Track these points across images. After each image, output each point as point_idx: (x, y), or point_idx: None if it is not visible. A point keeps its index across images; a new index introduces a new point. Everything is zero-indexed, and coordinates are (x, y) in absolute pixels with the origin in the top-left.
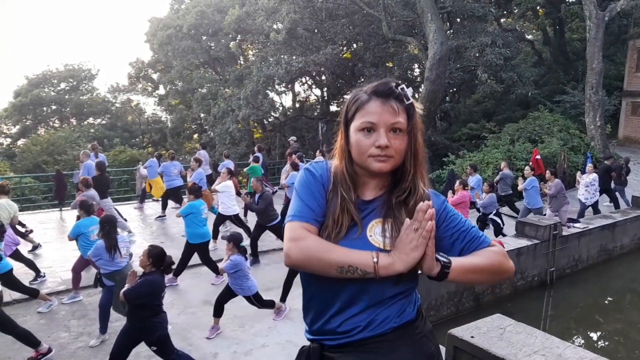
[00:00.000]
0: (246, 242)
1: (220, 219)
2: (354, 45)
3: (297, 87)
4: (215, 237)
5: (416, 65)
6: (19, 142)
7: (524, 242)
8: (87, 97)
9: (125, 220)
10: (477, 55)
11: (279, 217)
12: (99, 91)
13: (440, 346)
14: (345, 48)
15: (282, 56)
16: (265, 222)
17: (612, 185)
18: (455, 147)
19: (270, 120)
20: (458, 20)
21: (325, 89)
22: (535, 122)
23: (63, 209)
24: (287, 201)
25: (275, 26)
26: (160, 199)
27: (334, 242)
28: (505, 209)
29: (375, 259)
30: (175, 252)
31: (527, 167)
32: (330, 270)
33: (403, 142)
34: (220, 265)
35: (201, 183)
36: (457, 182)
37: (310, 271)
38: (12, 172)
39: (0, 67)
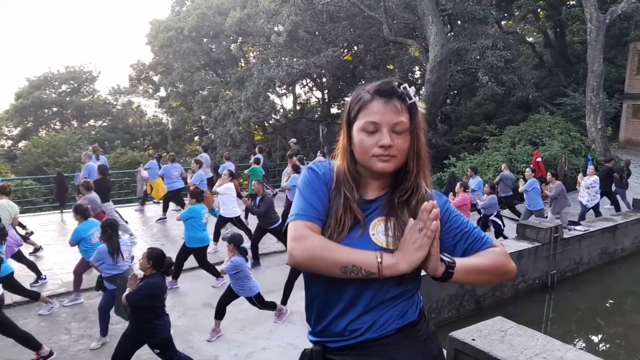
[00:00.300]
0: (247, 244)
1: (222, 222)
2: (355, 48)
3: (298, 90)
4: (216, 239)
5: (417, 68)
6: (20, 144)
7: (525, 245)
8: (88, 99)
9: (126, 222)
10: (478, 57)
11: (280, 220)
12: (100, 93)
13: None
14: (346, 50)
15: (283, 58)
16: (266, 224)
17: (613, 187)
18: (456, 149)
19: (271, 122)
20: (459, 22)
21: (326, 91)
22: (536, 124)
23: (64, 211)
24: (288, 203)
25: (276, 28)
26: (160, 201)
27: (336, 241)
28: (505, 212)
29: (379, 259)
30: (176, 255)
31: (527, 169)
32: (334, 270)
33: (406, 141)
34: (221, 266)
35: (201, 185)
36: (458, 184)
37: (313, 271)
38: (13, 174)
39: (1, 68)
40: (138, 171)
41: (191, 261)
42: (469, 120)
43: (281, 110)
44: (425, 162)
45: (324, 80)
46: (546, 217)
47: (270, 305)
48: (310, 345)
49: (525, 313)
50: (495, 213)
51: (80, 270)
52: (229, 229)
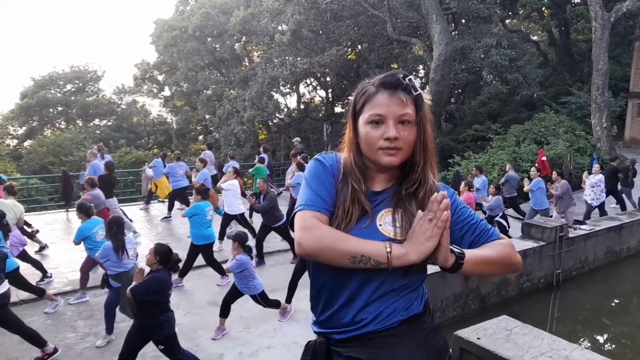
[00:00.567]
0: (251, 242)
1: (227, 219)
2: (359, 47)
3: (302, 89)
4: (221, 237)
5: (421, 67)
6: (26, 143)
7: (530, 244)
8: (92, 99)
9: (131, 220)
10: (482, 56)
11: (285, 218)
12: (105, 92)
13: None
14: (349, 49)
15: (286, 57)
16: (270, 223)
17: (619, 187)
18: (460, 148)
19: (275, 121)
20: (463, 21)
21: (330, 90)
22: (540, 123)
23: (69, 209)
24: (293, 201)
25: (280, 27)
26: (165, 199)
27: (343, 232)
28: (510, 211)
29: (388, 249)
30: (181, 253)
31: (533, 168)
32: (343, 260)
33: (412, 133)
34: (226, 265)
35: (206, 183)
36: (463, 183)
37: (322, 261)
38: (18, 173)
39: (6, 68)
40: (143, 170)
41: (196, 260)
42: (473, 119)
43: (285, 110)
44: (432, 154)
45: (328, 79)
46: (551, 217)
47: (275, 304)
48: (314, 337)
49: (530, 312)
50: (500, 214)
51: (87, 268)
52: (234, 227)
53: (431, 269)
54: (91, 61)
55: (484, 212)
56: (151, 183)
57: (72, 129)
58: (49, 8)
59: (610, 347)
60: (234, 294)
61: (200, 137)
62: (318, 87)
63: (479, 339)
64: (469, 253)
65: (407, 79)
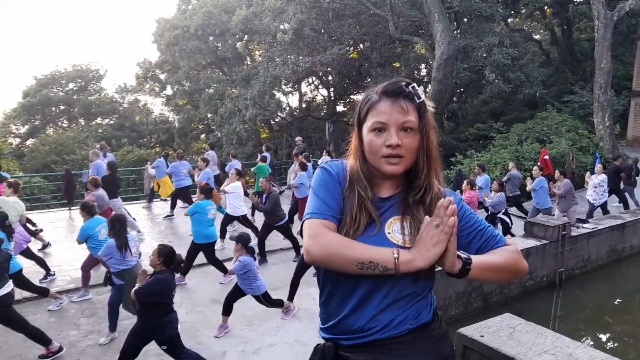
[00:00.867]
0: (253, 242)
1: (228, 219)
2: (361, 46)
3: (304, 88)
4: (222, 236)
5: (423, 65)
6: (28, 142)
7: (532, 243)
8: (95, 98)
9: (134, 219)
10: (485, 55)
11: (287, 217)
12: (107, 91)
13: None
14: (351, 48)
15: (288, 56)
16: (272, 222)
17: (622, 185)
18: (462, 147)
19: (276, 120)
20: (465, 20)
21: (332, 89)
22: (543, 122)
23: (72, 208)
24: (295, 201)
25: (282, 26)
26: (167, 198)
27: (352, 239)
28: (513, 209)
29: (395, 255)
30: (183, 252)
31: (535, 167)
32: (351, 266)
33: (414, 140)
34: (230, 266)
35: (209, 182)
36: (465, 182)
37: (330, 268)
38: (21, 172)
39: (9, 67)
40: (145, 169)
41: (199, 258)
42: (475, 118)
43: (287, 108)
44: (436, 161)
45: (330, 78)
46: (554, 215)
47: (277, 303)
48: (316, 335)
49: (532, 311)
50: (503, 211)
51: (88, 266)
52: (236, 227)
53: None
54: (93, 60)
55: (487, 209)
56: (153, 182)
57: (75, 127)
58: (52, 7)
59: (612, 346)
60: (236, 293)
61: (202, 136)
62: (320, 86)
63: (482, 336)
64: (476, 259)
65: (410, 87)
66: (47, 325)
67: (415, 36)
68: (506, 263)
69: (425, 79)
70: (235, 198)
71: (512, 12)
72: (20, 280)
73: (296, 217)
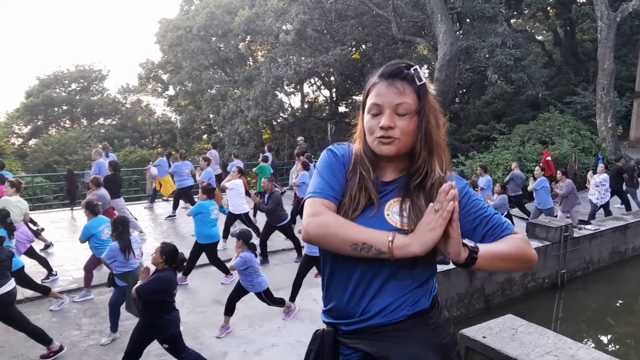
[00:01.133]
0: (255, 242)
1: (231, 219)
2: (363, 46)
3: (306, 88)
4: (225, 237)
5: (425, 66)
6: (31, 142)
7: (534, 244)
8: (97, 98)
9: (136, 219)
10: (487, 56)
11: (289, 217)
12: (110, 92)
13: None
14: (354, 49)
15: (291, 57)
16: (274, 222)
17: (624, 187)
18: (464, 148)
19: (279, 121)
20: (468, 20)
21: (334, 89)
22: (545, 123)
23: (74, 208)
24: (297, 201)
25: (284, 27)
26: (169, 198)
27: (350, 219)
28: (515, 210)
29: (390, 238)
30: (186, 252)
31: (537, 168)
32: (345, 247)
33: (410, 123)
34: (230, 263)
35: (210, 182)
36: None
37: (325, 247)
38: (23, 172)
39: (12, 67)
40: (147, 169)
41: (201, 258)
42: (477, 119)
43: (289, 109)
44: (438, 145)
45: (332, 78)
46: (556, 216)
47: (279, 302)
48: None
49: (534, 312)
50: (505, 213)
51: (91, 266)
52: (237, 226)
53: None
54: (96, 60)
55: None
56: (155, 182)
57: (77, 128)
58: (55, 7)
59: (614, 348)
60: (238, 292)
61: (204, 137)
62: (322, 87)
63: (484, 337)
64: (484, 248)
65: (412, 69)
66: (49, 325)
67: (417, 37)
68: (515, 252)
69: (428, 80)
70: (236, 195)
71: (515, 12)
72: (23, 278)
73: (298, 217)
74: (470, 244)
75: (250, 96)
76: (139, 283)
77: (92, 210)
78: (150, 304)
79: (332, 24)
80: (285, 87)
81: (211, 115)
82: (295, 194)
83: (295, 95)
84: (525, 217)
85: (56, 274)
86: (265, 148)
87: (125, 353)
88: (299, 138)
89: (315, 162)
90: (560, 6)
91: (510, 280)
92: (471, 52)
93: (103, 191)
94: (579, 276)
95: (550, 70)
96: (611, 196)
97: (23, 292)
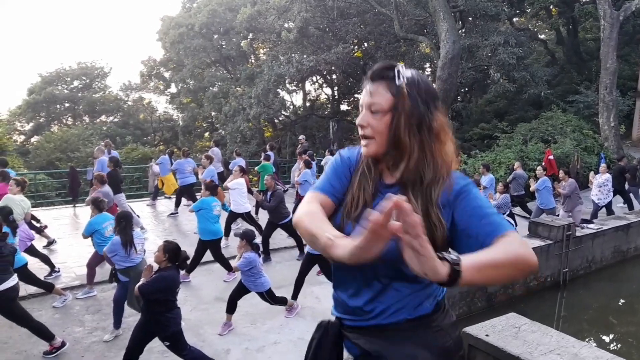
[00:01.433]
0: (257, 239)
1: (232, 217)
2: (365, 44)
3: (308, 86)
4: (227, 234)
5: (428, 64)
6: (33, 139)
7: (537, 243)
8: (99, 95)
9: (138, 216)
10: (490, 54)
11: (291, 215)
12: (112, 89)
13: None
14: (356, 47)
15: (293, 55)
16: (277, 220)
17: (626, 186)
18: (466, 147)
19: (280, 119)
20: (470, 19)
21: (336, 87)
22: (548, 122)
23: (76, 205)
24: (299, 199)
25: (286, 25)
26: (172, 195)
27: (352, 218)
28: (517, 210)
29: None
30: (188, 249)
31: (539, 167)
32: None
33: (382, 122)
34: (234, 263)
35: (212, 179)
36: None
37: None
38: (25, 169)
39: (14, 64)
40: (150, 166)
41: (203, 256)
42: (480, 117)
43: (291, 107)
44: (406, 146)
45: (334, 77)
46: (558, 215)
47: (281, 301)
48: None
49: (536, 311)
50: (507, 212)
51: (94, 263)
52: (240, 225)
53: None
54: (98, 58)
55: None
56: (158, 179)
57: (79, 125)
58: (58, 4)
59: (616, 347)
60: (240, 291)
61: (206, 134)
62: (324, 85)
63: (487, 335)
64: (470, 258)
65: (393, 69)
66: (52, 321)
67: (420, 35)
68: (509, 257)
69: (430, 78)
70: (239, 195)
71: (518, 11)
72: (26, 275)
73: None
74: (451, 256)
75: (252, 94)
76: (141, 281)
77: (97, 206)
78: (153, 302)
79: (334, 22)
80: (287, 85)
81: (213, 113)
82: (297, 192)
83: (297, 93)
84: (528, 216)
85: (59, 271)
86: (267, 146)
87: (127, 349)
88: (301, 136)
89: (318, 160)
90: (563, 5)
91: None
92: (473, 51)
93: (107, 189)
94: (581, 275)
95: (553, 69)
96: (614, 195)
97: (26, 289)
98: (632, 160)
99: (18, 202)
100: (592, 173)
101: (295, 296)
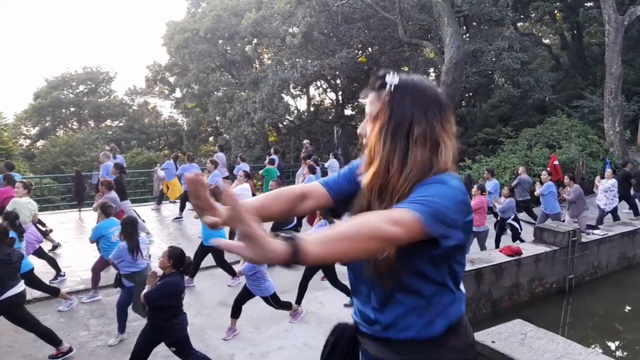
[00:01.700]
0: None
1: None
2: (370, 49)
3: (312, 91)
4: (232, 239)
5: (432, 69)
6: (38, 144)
7: (542, 249)
8: (104, 100)
9: (144, 221)
10: (494, 59)
11: (295, 220)
12: (117, 94)
13: None
14: (360, 52)
15: (297, 60)
16: (281, 224)
17: (632, 192)
18: (471, 152)
19: (285, 123)
20: (475, 24)
21: (340, 92)
22: (552, 127)
23: (82, 209)
24: None
25: (291, 30)
26: (176, 200)
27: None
28: (522, 215)
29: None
30: (192, 254)
31: (544, 172)
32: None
33: (372, 130)
34: (238, 267)
35: (217, 184)
36: (475, 186)
37: None
38: (31, 173)
39: (20, 69)
40: (155, 171)
41: (207, 260)
42: (484, 122)
43: (295, 112)
44: (382, 154)
45: (338, 81)
46: (564, 221)
47: (286, 305)
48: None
49: (542, 317)
50: (512, 216)
51: (98, 268)
52: None
53: None
54: (103, 62)
55: (496, 215)
56: (162, 184)
57: (84, 129)
58: (63, 9)
59: (622, 354)
60: (245, 295)
61: (211, 139)
62: (328, 90)
63: (493, 342)
64: (314, 234)
65: (382, 77)
66: (57, 325)
67: (424, 40)
68: (355, 228)
69: (434, 83)
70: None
71: (522, 16)
72: (32, 280)
73: (304, 220)
74: (286, 234)
75: (257, 99)
76: (146, 288)
77: (104, 211)
78: (158, 308)
79: (338, 27)
80: (292, 90)
81: (217, 118)
82: None
83: (301, 97)
84: (533, 221)
85: (64, 275)
86: (271, 151)
87: (132, 354)
88: (305, 141)
89: (322, 165)
90: (568, 10)
91: (517, 285)
92: (478, 56)
93: (114, 195)
94: (587, 281)
95: (558, 74)
96: (619, 201)
97: (31, 293)
98: (637, 165)
99: (25, 205)
100: (597, 178)
101: (299, 301)
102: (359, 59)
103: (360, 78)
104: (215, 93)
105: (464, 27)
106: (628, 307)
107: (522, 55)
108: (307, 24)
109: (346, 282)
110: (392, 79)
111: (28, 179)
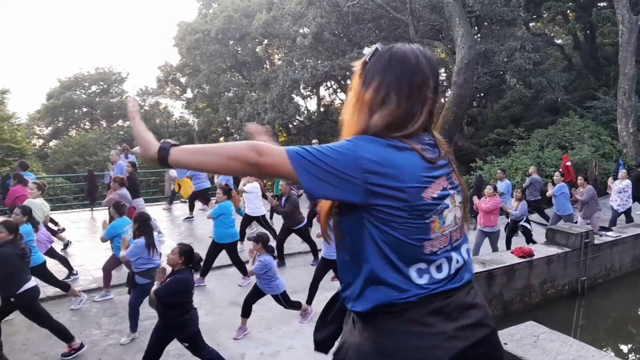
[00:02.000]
0: (272, 244)
1: (247, 220)
2: None
3: (322, 91)
4: (242, 238)
5: (443, 70)
6: (51, 143)
7: (554, 250)
8: (117, 100)
9: (155, 220)
10: (506, 59)
11: (305, 221)
12: (129, 94)
13: None
14: None
15: (307, 60)
16: (291, 225)
17: None
18: (482, 152)
19: (295, 124)
20: (486, 24)
21: None
22: (565, 128)
23: (94, 208)
24: (313, 204)
25: (301, 30)
26: (187, 199)
27: None
28: (534, 216)
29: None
30: (203, 253)
31: (556, 173)
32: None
33: None
34: (249, 267)
35: (227, 183)
36: (488, 187)
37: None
38: (44, 173)
39: (34, 69)
40: (166, 170)
41: (218, 260)
42: (495, 123)
43: (305, 112)
44: (346, 124)
45: (349, 82)
46: (576, 222)
47: (296, 305)
48: None
49: (554, 320)
50: (524, 219)
51: (110, 267)
52: (254, 229)
53: None
54: (115, 63)
55: (506, 216)
56: (174, 183)
57: (97, 129)
58: (76, 10)
59: (636, 357)
60: (255, 294)
61: (222, 139)
62: (338, 90)
63: (505, 344)
64: (184, 145)
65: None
66: (70, 323)
67: (435, 40)
68: (219, 146)
69: (445, 83)
70: (255, 198)
71: (534, 16)
72: (44, 273)
73: (315, 220)
74: (167, 140)
75: (267, 99)
76: (156, 285)
77: (118, 210)
78: (169, 305)
79: (349, 28)
80: (302, 91)
81: (228, 118)
82: None
83: (311, 98)
84: (545, 222)
85: (77, 274)
86: None
87: (146, 352)
88: (314, 141)
89: None
90: (580, 9)
91: (529, 287)
92: (489, 56)
93: (125, 191)
94: (600, 283)
95: (570, 74)
96: (632, 202)
97: (44, 291)
98: None
99: (39, 206)
100: (610, 179)
101: (309, 301)
102: None
103: None
104: (226, 93)
105: (476, 28)
106: None
107: (534, 56)
108: (317, 25)
109: None
110: (369, 51)
111: (41, 179)
